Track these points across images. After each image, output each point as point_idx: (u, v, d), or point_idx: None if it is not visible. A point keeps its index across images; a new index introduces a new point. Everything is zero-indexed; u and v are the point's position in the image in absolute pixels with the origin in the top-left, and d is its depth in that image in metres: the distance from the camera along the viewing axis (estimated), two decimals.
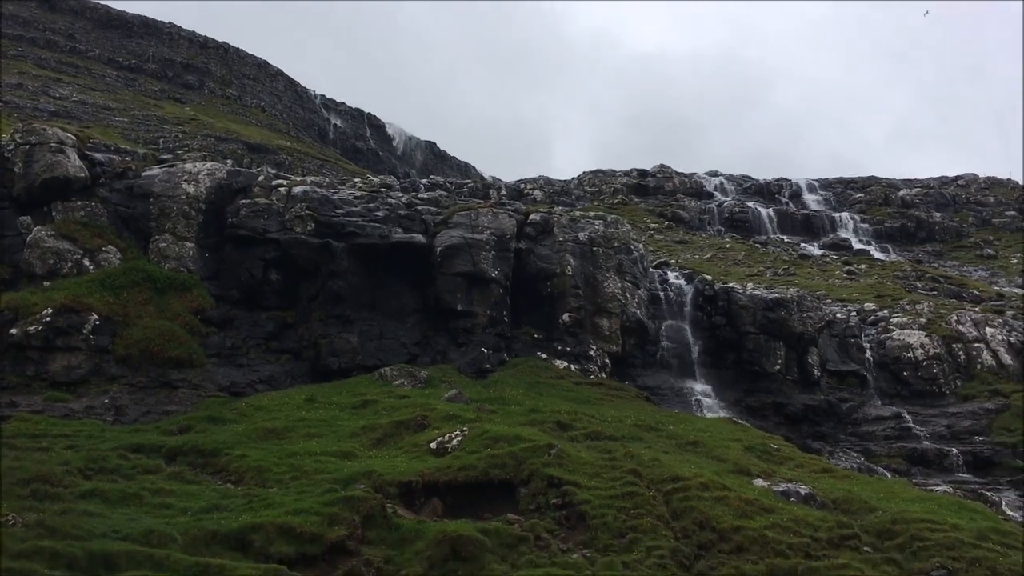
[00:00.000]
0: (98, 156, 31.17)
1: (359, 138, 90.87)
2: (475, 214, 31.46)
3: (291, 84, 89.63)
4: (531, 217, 32.45)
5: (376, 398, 25.00)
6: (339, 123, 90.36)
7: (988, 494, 25.22)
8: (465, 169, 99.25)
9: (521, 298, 30.71)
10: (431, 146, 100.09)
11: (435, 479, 19.40)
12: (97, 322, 25.68)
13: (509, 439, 20.83)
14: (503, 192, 60.33)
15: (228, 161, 39.74)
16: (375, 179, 48.59)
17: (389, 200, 31.97)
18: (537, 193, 65.08)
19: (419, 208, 31.79)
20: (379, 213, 30.66)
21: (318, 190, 31.30)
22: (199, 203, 30.07)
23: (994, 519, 20.78)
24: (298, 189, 30.91)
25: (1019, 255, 60.46)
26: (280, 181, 31.80)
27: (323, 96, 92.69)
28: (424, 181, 59.28)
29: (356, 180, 43.67)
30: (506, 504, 19.13)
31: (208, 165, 32.24)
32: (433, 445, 21.22)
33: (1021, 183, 73.42)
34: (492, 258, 30.08)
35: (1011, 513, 24.08)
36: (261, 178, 31.66)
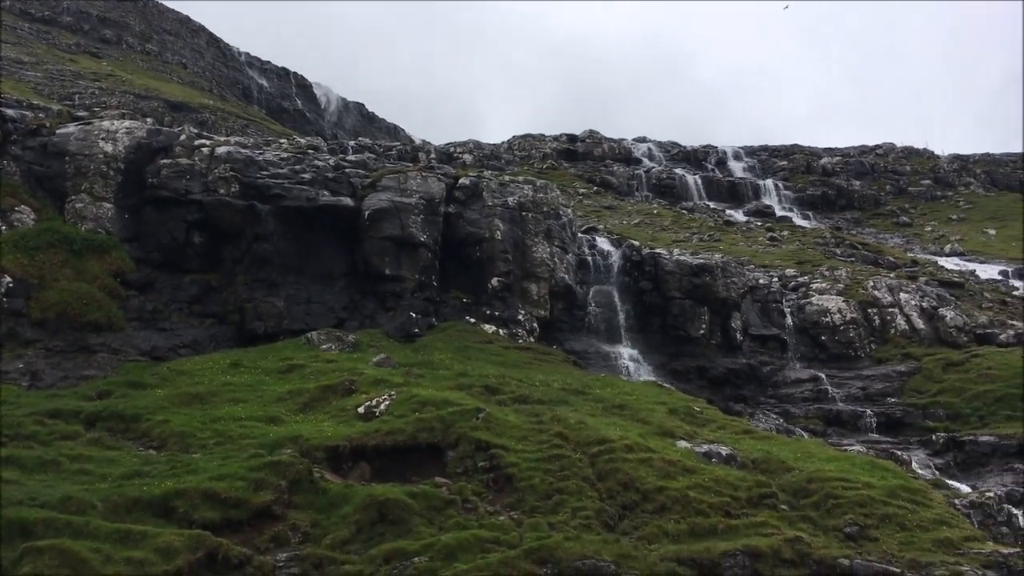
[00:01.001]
0: (9, 112, 29.91)
1: (285, 98, 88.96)
2: (404, 177, 31.16)
3: (214, 41, 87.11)
4: (461, 181, 32.30)
5: (303, 362, 24.77)
6: (264, 83, 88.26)
7: (899, 453, 26.23)
8: (394, 131, 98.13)
9: (450, 262, 30.64)
10: (360, 108, 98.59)
11: (363, 443, 19.39)
12: (11, 284, 24.84)
13: (437, 403, 20.89)
14: (432, 155, 59.86)
15: (148, 119, 38.53)
16: (302, 140, 47.75)
17: (316, 162, 31.45)
18: (467, 157, 64.75)
19: (347, 171, 31.34)
20: (306, 175, 30.15)
21: (243, 151, 30.61)
22: (117, 162, 29.15)
23: (904, 477, 21.68)
24: (222, 149, 30.18)
25: (933, 223, 62.56)
26: (203, 141, 30.99)
27: (248, 54, 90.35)
28: (352, 143, 58.46)
29: (282, 141, 42.82)
30: (434, 468, 19.23)
31: (127, 123, 31.23)
32: (361, 409, 21.16)
33: (936, 153, 75.79)
34: (421, 222, 29.89)
35: (920, 471, 25.11)
36: (183, 137, 30.81)
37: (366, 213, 29.49)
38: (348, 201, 29.84)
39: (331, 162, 31.98)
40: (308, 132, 75.83)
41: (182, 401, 21.66)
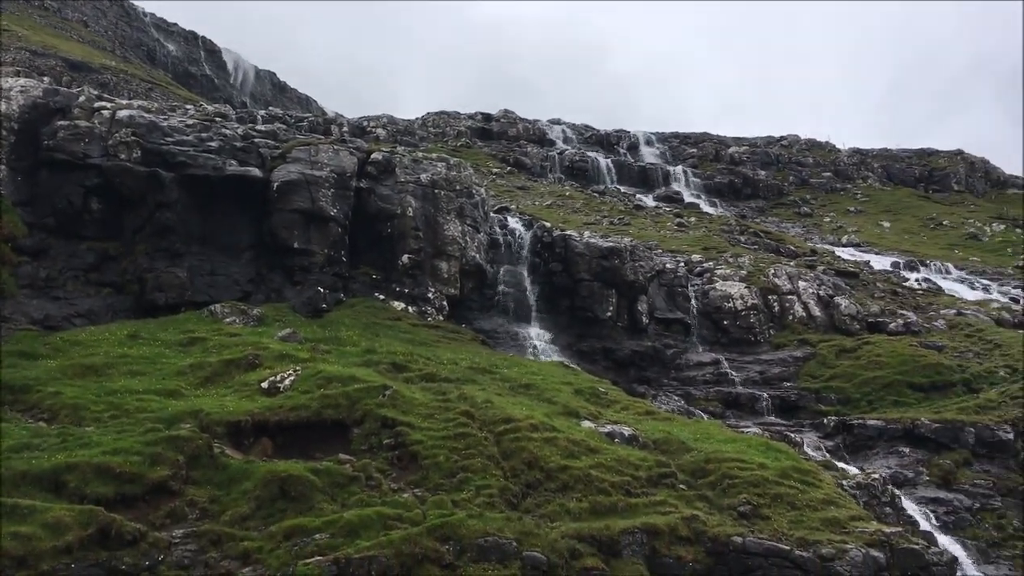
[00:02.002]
0: None
1: (193, 63, 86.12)
2: (315, 150, 30.61)
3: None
4: (373, 156, 31.90)
5: (205, 336, 24.19)
6: (171, 46, 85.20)
7: (792, 436, 27.18)
8: (306, 102, 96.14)
9: (360, 238, 30.29)
10: (271, 76, 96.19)
11: (265, 419, 19.08)
12: None
13: (343, 379, 20.70)
14: (345, 129, 58.94)
15: (45, 78, 36.83)
16: (209, 107, 46.37)
17: (224, 130, 30.61)
18: (380, 132, 63.98)
19: (256, 140, 30.61)
20: (213, 143, 29.32)
21: (146, 115, 29.56)
22: (11, 122, 27.78)
23: (796, 459, 22.48)
24: (123, 113, 29.08)
25: (832, 214, 64.74)
26: (103, 103, 29.80)
27: (153, 15, 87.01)
28: (262, 112, 57.08)
29: (188, 107, 41.51)
30: (338, 445, 19.07)
31: (22, 81, 29.79)
32: (264, 384, 20.82)
33: (838, 146, 78.34)
34: (332, 196, 29.44)
35: (811, 453, 26.07)
36: (82, 99, 29.57)
37: (275, 185, 28.88)
38: (256, 172, 29.15)
39: (239, 131, 31.17)
40: (216, 99, 73.66)
41: (76, 372, 20.91)
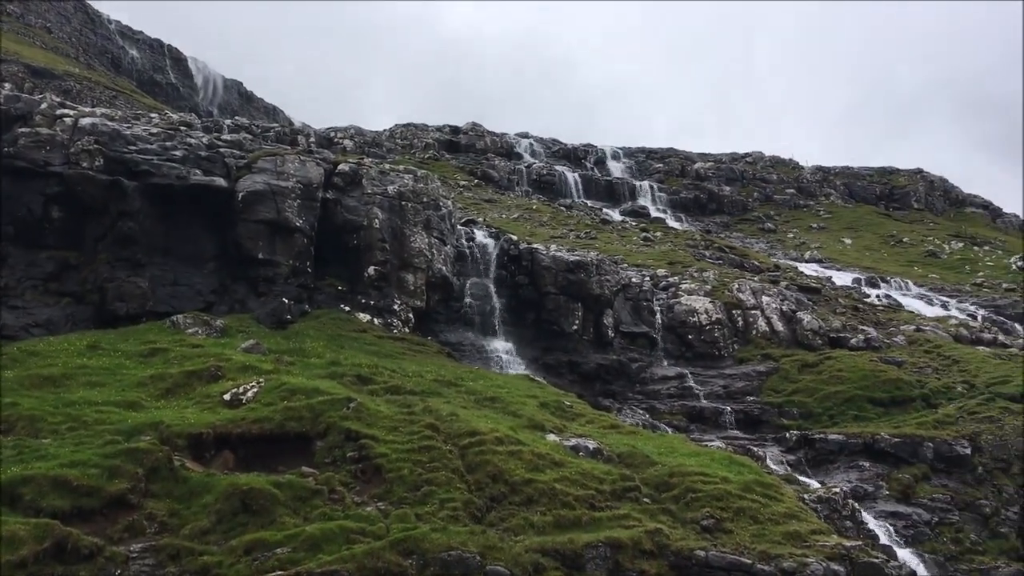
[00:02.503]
0: None
1: (158, 71, 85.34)
2: (281, 160, 30.43)
3: (82, 6, 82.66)
4: (340, 167, 31.78)
5: (167, 346, 23.90)
6: (136, 53, 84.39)
7: (755, 449, 27.40)
8: (273, 113, 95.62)
9: (326, 249, 30.11)
10: (237, 86, 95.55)
11: (227, 431, 18.87)
12: None
13: (307, 391, 20.55)
14: (312, 139, 58.69)
15: (6, 85, 36.28)
16: (174, 116, 45.94)
17: (189, 139, 30.34)
18: (347, 143, 63.80)
19: (221, 150, 30.36)
20: (177, 152, 29.04)
21: (109, 123, 29.22)
22: None
23: (759, 472, 22.65)
24: (86, 121, 28.72)
25: (795, 230, 65.55)
26: (66, 111, 29.42)
27: (119, 22, 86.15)
28: (228, 122, 56.68)
29: (153, 115, 41.09)
30: (301, 457, 18.90)
31: None
32: (227, 396, 20.59)
33: (801, 163, 79.42)
34: (297, 207, 29.27)
35: (774, 467, 26.30)
36: (44, 106, 29.17)
37: (240, 195, 28.66)
38: (221, 182, 28.91)
39: (205, 140, 30.91)
40: (181, 108, 73.02)
41: (33, 383, 20.55)
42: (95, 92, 59.21)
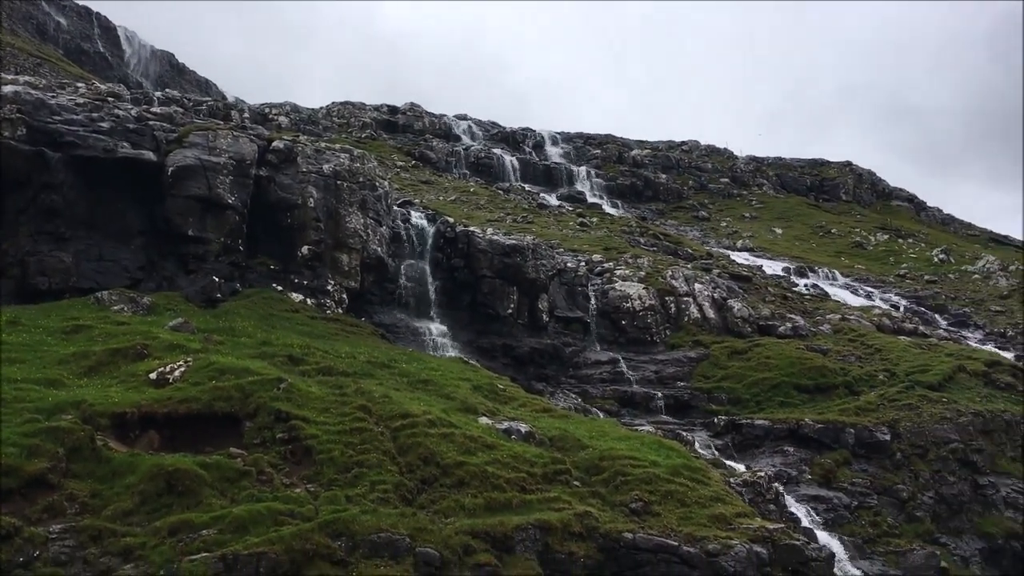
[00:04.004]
0: None
1: (86, 39, 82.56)
2: (213, 135, 29.76)
3: None
4: (274, 144, 31.23)
5: (91, 323, 23.25)
6: (63, 20, 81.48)
7: (684, 434, 27.88)
8: (206, 86, 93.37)
9: (259, 227, 29.59)
10: (169, 57, 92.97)
11: (153, 411, 18.48)
12: None
13: (237, 371, 20.21)
14: (246, 115, 57.57)
15: None
16: (102, 86, 44.58)
17: (117, 111, 29.46)
18: (283, 120, 62.75)
19: (151, 123, 29.55)
20: (104, 124, 28.18)
21: (33, 92, 28.22)
22: None
23: (687, 456, 23.04)
24: (8, 89, 27.67)
25: (728, 219, 66.65)
26: None
27: None
28: (159, 94, 55.26)
29: (80, 85, 39.80)
30: (230, 438, 18.61)
31: None
32: (153, 375, 20.15)
33: (735, 153, 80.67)
34: (230, 183, 28.68)
35: (702, 451, 26.80)
36: None
37: (170, 170, 27.96)
38: (150, 155, 28.16)
39: (133, 112, 30.05)
40: (110, 78, 70.80)
41: None
42: (18, 59, 57.11)
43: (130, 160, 27.65)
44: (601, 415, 28.96)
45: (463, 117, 75.11)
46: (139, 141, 28.42)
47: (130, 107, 31.17)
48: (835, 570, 21.71)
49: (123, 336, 22.32)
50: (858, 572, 23.44)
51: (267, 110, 64.22)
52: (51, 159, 26.48)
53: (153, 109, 32.92)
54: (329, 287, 29.85)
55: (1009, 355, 39.66)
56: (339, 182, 31.17)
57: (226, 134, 30.04)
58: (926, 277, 53.91)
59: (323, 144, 34.85)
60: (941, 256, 59.06)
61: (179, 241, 27.94)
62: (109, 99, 31.96)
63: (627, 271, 39.07)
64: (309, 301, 29.07)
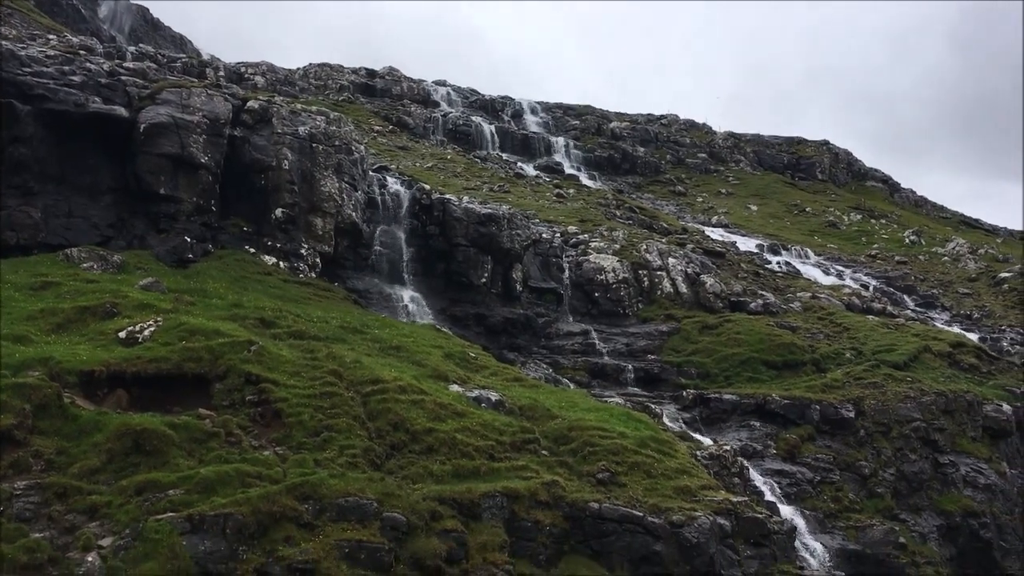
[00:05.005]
0: None
1: None
2: (187, 93, 29.33)
3: None
4: (249, 104, 30.83)
5: (59, 280, 23.00)
6: None
7: (653, 407, 28.10)
8: (181, 42, 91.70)
9: (232, 188, 29.29)
10: (143, 11, 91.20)
11: (121, 369, 18.38)
12: None
13: (207, 333, 20.11)
14: (221, 73, 56.71)
15: None
16: (74, 39, 43.78)
17: (88, 65, 28.93)
18: (259, 79, 61.91)
19: (123, 78, 29.05)
20: (76, 78, 27.67)
21: (2, 43, 27.63)
22: None
23: (655, 429, 23.29)
24: None
25: (704, 195, 66.81)
26: None
27: None
28: (132, 49, 54.23)
29: (51, 37, 39.07)
30: (199, 399, 18.56)
31: None
32: (122, 334, 20.01)
33: (714, 128, 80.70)
34: (203, 142, 28.32)
35: (670, 424, 27.06)
36: None
37: (142, 126, 27.55)
38: (122, 111, 27.72)
39: (106, 67, 29.52)
40: (82, 31, 69.38)
41: None
42: None
43: (101, 116, 27.21)
44: (571, 386, 29.14)
45: (442, 83, 74.46)
46: (111, 96, 27.97)
47: (102, 61, 30.64)
48: (796, 543, 22.14)
49: (92, 294, 22.11)
50: (819, 546, 23.88)
51: (243, 69, 63.25)
52: (20, 112, 25.99)
53: (126, 64, 32.40)
54: (303, 251, 29.67)
55: (974, 337, 40.30)
56: (315, 145, 30.89)
57: (200, 92, 29.63)
58: (897, 258, 54.46)
59: (299, 106, 34.48)
60: (912, 238, 59.65)
61: (150, 200, 27.62)
62: (81, 52, 31.40)
63: (602, 243, 39.14)
64: (282, 264, 28.90)
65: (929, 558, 25.98)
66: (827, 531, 25.00)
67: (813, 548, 23.56)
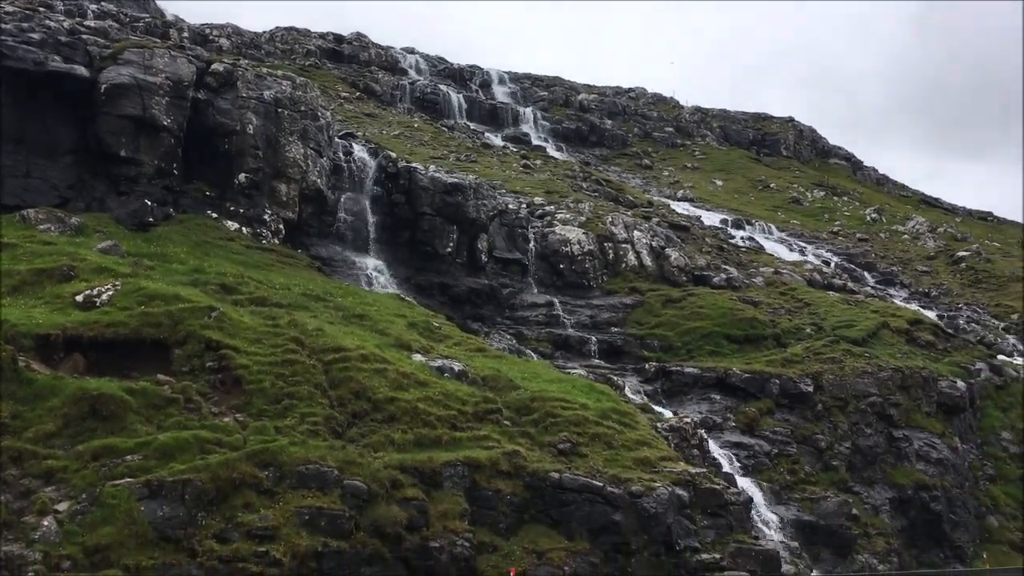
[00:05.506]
0: None
1: None
2: (150, 54, 28.74)
3: None
4: (214, 67, 30.29)
5: (15, 242, 22.56)
6: None
7: (615, 379, 28.31)
8: (144, 1, 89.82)
9: (195, 152, 28.83)
10: None
11: (78, 334, 18.13)
12: None
13: (167, 298, 19.88)
14: (185, 35, 55.63)
15: None
16: None
17: (48, 22, 28.21)
18: (224, 42, 60.83)
19: (84, 37, 28.40)
20: (35, 36, 26.98)
21: None
22: None
23: (616, 400, 23.49)
24: None
25: (671, 168, 67.02)
26: None
27: None
28: (93, 7, 52.93)
29: None
30: (158, 365, 18.39)
31: None
32: (79, 298, 19.72)
33: (681, 103, 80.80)
34: (166, 104, 27.80)
35: (632, 396, 27.29)
36: None
37: (103, 87, 26.98)
38: (83, 71, 27.11)
39: (66, 25, 28.82)
40: None
41: None
42: None
43: (61, 75, 26.61)
44: (535, 357, 29.23)
45: (410, 51, 73.69)
46: (71, 55, 27.35)
47: (62, 19, 29.94)
48: (752, 514, 22.51)
49: (49, 256, 21.74)
50: (774, 516, 24.32)
51: (207, 31, 62.09)
52: None
53: (87, 23, 31.67)
54: (266, 217, 29.35)
55: (931, 314, 41.02)
56: (280, 110, 30.47)
57: (163, 53, 29.06)
58: (858, 235, 55.15)
59: (265, 70, 33.94)
60: (874, 215, 60.38)
61: (111, 161, 27.12)
62: (41, 9, 30.59)
63: (568, 215, 39.15)
64: (245, 230, 28.57)
65: (880, 529, 26.59)
66: (783, 502, 25.46)
67: (769, 519, 23.99)
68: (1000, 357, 37.81)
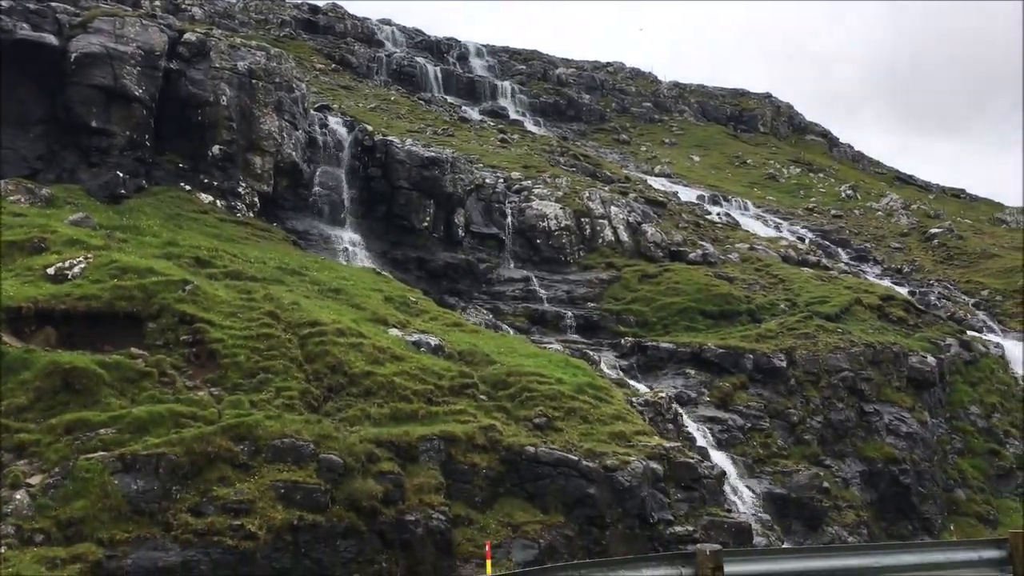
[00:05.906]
0: None
1: None
2: (121, 22, 28.28)
3: None
4: (186, 36, 29.86)
5: None
6: None
7: (591, 354, 28.44)
8: None
9: (167, 123, 28.46)
10: None
11: (50, 307, 17.92)
12: None
13: (140, 271, 19.68)
14: (157, 3, 54.73)
15: None
16: None
17: None
18: (197, 11, 59.91)
19: (53, 4, 27.87)
20: (2, 3, 26.46)
21: None
22: None
23: (592, 375, 23.59)
24: None
25: (648, 144, 67.04)
26: None
27: None
28: None
29: None
30: (131, 338, 18.22)
31: None
32: (51, 271, 19.48)
33: (660, 78, 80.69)
34: (137, 75, 27.39)
35: (607, 371, 27.43)
36: None
37: (72, 56, 26.53)
38: (52, 39, 26.63)
39: None
40: None
41: None
42: None
43: (30, 43, 26.14)
44: (511, 332, 29.27)
45: (387, 22, 72.97)
46: (40, 23, 26.85)
47: None
48: (725, 487, 22.76)
49: (19, 228, 21.43)
50: (747, 490, 24.60)
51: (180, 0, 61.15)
52: None
53: None
54: (240, 189, 29.08)
55: (903, 290, 41.48)
56: (254, 81, 30.12)
57: (135, 22, 28.60)
58: (833, 212, 55.51)
59: (239, 40, 33.49)
60: (848, 192, 60.78)
61: (82, 132, 26.73)
62: None
63: (545, 190, 39.08)
64: (219, 203, 28.31)
65: (851, 502, 26.99)
66: (755, 476, 25.74)
67: (741, 492, 24.26)
68: (970, 333, 38.33)
